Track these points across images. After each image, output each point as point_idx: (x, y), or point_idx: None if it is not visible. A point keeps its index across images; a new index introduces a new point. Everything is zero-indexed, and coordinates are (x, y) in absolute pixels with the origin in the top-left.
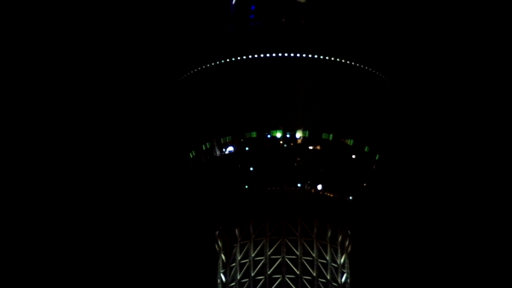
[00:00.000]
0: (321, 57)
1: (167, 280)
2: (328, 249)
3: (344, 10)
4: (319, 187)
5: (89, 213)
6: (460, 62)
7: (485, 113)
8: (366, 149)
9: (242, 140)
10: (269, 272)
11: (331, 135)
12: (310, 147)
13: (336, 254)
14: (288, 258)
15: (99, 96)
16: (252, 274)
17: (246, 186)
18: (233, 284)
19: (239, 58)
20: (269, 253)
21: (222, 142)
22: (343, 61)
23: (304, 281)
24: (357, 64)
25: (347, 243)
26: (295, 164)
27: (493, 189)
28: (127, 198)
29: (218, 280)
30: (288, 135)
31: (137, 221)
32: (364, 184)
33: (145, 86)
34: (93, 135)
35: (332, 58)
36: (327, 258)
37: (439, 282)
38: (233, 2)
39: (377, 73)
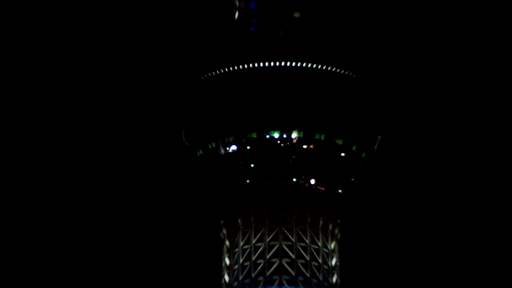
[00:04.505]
0: (314, 66)
1: (179, 264)
2: (320, 236)
3: (333, 25)
4: (312, 181)
5: (105, 204)
6: (445, 62)
7: (469, 110)
8: (353, 148)
9: (243, 140)
10: (268, 257)
11: (323, 136)
12: (304, 146)
13: (327, 240)
14: (285, 244)
15: (118, 101)
16: (253, 259)
17: (248, 181)
18: (236, 267)
19: (241, 67)
20: (268, 240)
21: (226, 142)
22: (333, 69)
23: (299, 264)
24: (346, 72)
25: (336, 231)
26: (291, 161)
27: (474, 177)
28: (144, 194)
29: (223, 264)
30: (284, 136)
31: (153, 213)
32: (352, 179)
33: (160, 92)
34: (110, 133)
35: (324, 67)
36: (319, 244)
37: (419, 263)
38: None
39: (365, 80)
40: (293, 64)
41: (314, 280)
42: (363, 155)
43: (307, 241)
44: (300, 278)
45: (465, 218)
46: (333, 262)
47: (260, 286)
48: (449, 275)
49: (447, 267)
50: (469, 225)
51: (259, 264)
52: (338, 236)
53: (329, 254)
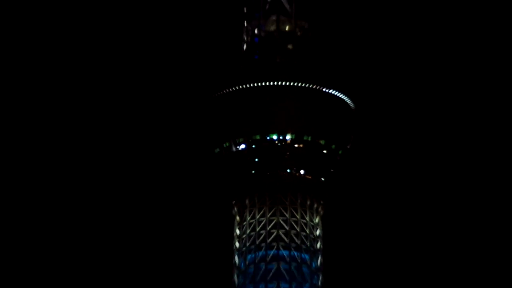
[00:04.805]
0: (304, 85)
1: (200, 234)
2: (308, 213)
3: (318, 53)
4: (302, 171)
5: (126, 188)
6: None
7: (442, 113)
8: (333, 146)
9: (250, 140)
10: (268, 228)
11: (309, 137)
12: (296, 145)
13: (313, 216)
14: (281, 219)
15: (150, 109)
16: (257, 230)
17: (253, 171)
18: (244, 236)
19: (248, 86)
20: (268, 215)
21: (236, 142)
22: (318, 87)
23: (292, 234)
24: (328, 90)
25: (320, 209)
26: (286, 157)
27: (449, 166)
28: (173, 183)
29: (234, 234)
30: (281, 137)
31: (179, 196)
32: (332, 170)
33: (187, 105)
34: (142, 132)
35: (311, 86)
36: (307, 219)
37: (381, 234)
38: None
39: (341, 96)
40: (288, 83)
41: (303, 246)
42: (340, 152)
43: (298, 217)
44: (293, 245)
45: (431, 195)
46: (318, 232)
47: (262, 251)
48: (416, 247)
49: (412, 239)
50: (438, 203)
51: (262, 234)
52: (321, 213)
53: (315, 227)
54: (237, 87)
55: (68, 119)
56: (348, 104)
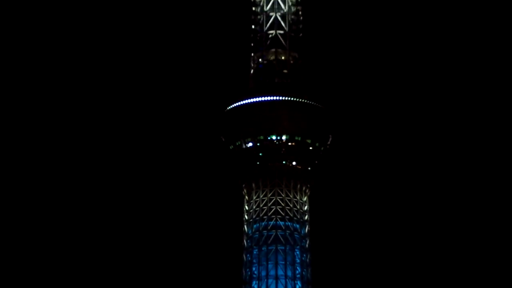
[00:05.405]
0: (294, 99)
1: (218, 209)
2: (298, 193)
3: (306, 75)
4: (294, 163)
5: (141, 175)
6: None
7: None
8: (316, 144)
9: (255, 140)
10: (269, 205)
11: (299, 137)
12: (289, 143)
13: (302, 196)
14: (278, 198)
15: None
16: (261, 206)
17: (258, 162)
18: (251, 210)
19: (254, 100)
20: (269, 195)
21: (246, 141)
22: (305, 101)
23: (286, 209)
24: (312, 102)
25: (307, 190)
26: (282, 152)
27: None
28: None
29: (244, 209)
30: (278, 138)
31: (204, 181)
32: (316, 162)
33: (211, 114)
34: (160, 133)
35: (300, 100)
36: (297, 197)
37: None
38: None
39: (322, 107)
40: (284, 98)
41: (295, 218)
42: (322, 148)
43: (291, 196)
44: (287, 217)
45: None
46: (305, 208)
47: (264, 222)
48: (393, 228)
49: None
50: (415, 192)
51: (264, 209)
52: (308, 193)
53: (303, 204)
54: (246, 101)
55: (85, 119)
56: (328, 112)
